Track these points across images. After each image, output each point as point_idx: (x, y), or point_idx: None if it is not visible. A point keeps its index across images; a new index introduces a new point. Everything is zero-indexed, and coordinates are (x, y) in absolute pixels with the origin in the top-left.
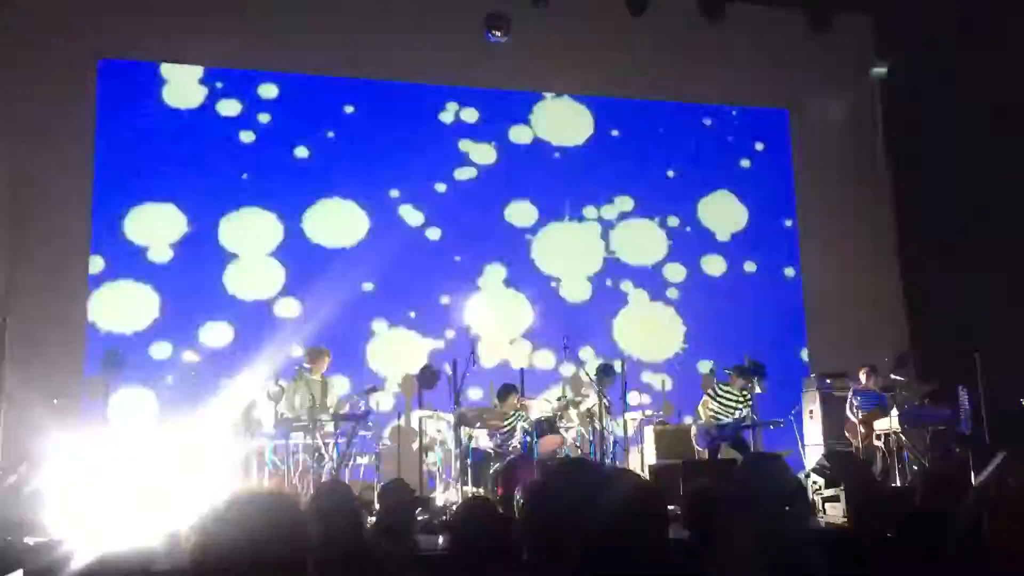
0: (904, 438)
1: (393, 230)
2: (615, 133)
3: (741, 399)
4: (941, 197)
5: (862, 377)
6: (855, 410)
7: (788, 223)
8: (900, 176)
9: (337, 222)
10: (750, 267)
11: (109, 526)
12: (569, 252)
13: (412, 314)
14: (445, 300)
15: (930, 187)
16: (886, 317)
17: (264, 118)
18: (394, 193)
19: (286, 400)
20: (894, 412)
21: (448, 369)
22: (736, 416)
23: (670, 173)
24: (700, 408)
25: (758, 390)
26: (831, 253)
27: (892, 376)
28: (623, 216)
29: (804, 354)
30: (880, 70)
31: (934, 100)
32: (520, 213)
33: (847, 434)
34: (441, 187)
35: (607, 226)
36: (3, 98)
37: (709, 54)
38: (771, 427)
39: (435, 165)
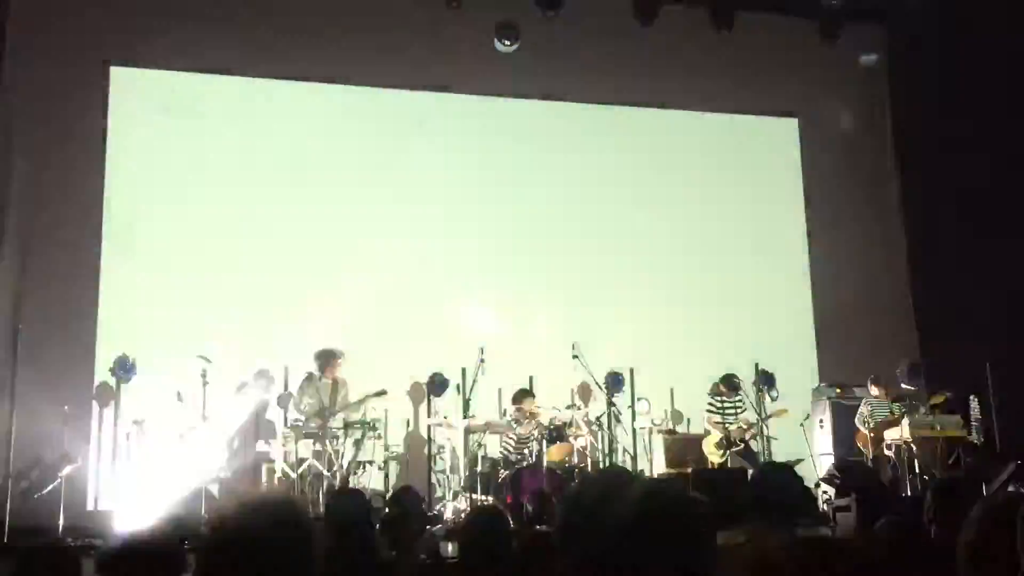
0: (915, 448)
1: (401, 235)
2: (624, 141)
3: (739, 403)
4: (952, 205)
5: (872, 387)
6: (866, 420)
7: (797, 232)
8: (910, 184)
9: (346, 226)
10: (759, 275)
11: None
12: (578, 258)
13: (421, 319)
14: (454, 305)
15: (941, 195)
16: (897, 326)
17: (274, 123)
18: (402, 196)
19: (294, 405)
20: (905, 422)
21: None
22: (738, 420)
23: (679, 181)
24: (706, 423)
25: (769, 400)
26: (841, 262)
27: (903, 386)
28: (632, 224)
29: (814, 363)
30: (869, 58)
31: (945, 107)
32: (529, 218)
33: (858, 444)
34: (452, 192)
35: (616, 233)
36: (15, 104)
37: (718, 63)
38: (776, 416)
39: (444, 171)
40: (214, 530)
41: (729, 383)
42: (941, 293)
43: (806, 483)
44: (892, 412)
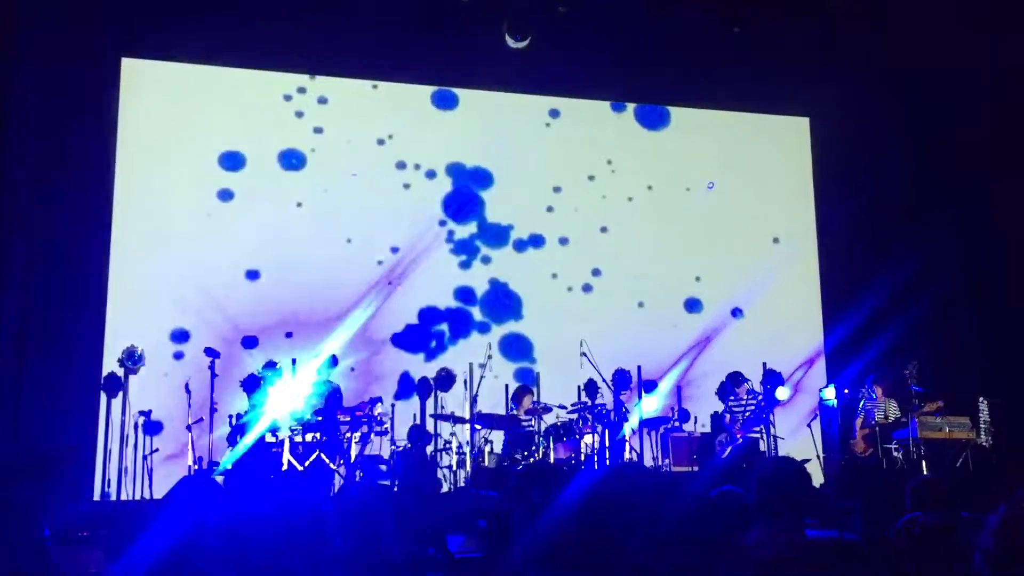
0: (923, 449)
1: (409, 232)
2: (634, 139)
3: (745, 401)
4: (962, 205)
5: (872, 388)
6: (862, 421)
7: (807, 231)
8: (920, 186)
9: (355, 220)
10: (769, 275)
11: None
12: (588, 260)
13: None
14: (461, 304)
15: (951, 193)
16: (906, 327)
17: (284, 118)
18: (410, 192)
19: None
20: (914, 422)
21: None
22: (744, 417)
23: (689, 180)
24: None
25: (779, 398)
26: (851, 262)
27: (911, 387)
28: (641, 224)
29: (822, 363)
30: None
31: (954, 108)
32: (539, 220)
33: (859, 442)
34: (455, 189)
35: (626, 234)
36: (27, 98)
37: (730, 61)
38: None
39: (454, 169)
40: None
41: (735, 380)
42: (950, 293)
43: (814, 483)
44: (887, 415)
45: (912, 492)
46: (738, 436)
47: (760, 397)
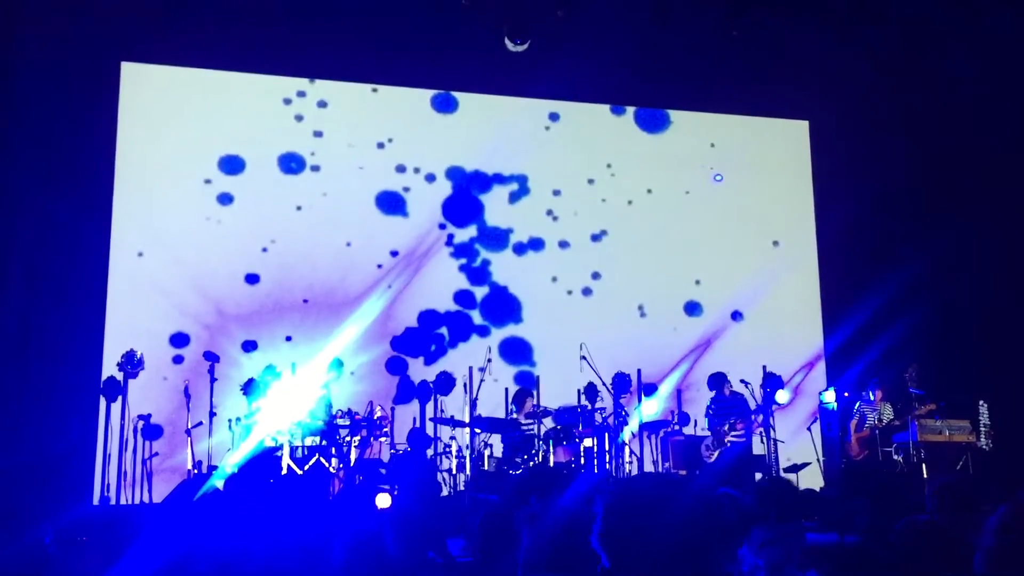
0: (923, 452)
1: (409, 236)
2: (634, 143)
3: (730, 403)
4: (965, 206)
5: (871, 392)
6: (856, 423)
7: (807, 235)
8: (919, 189)
9: (354, 224)
10: (769, 278)
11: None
12: (588, 263)
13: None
14: (461, 307)
15: (951, 197)
16: (906, 330)
17: (284, 122)
18: (409, 196)
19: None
20: (913, 425)
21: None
22: (731, 421)
23: (689, 184)
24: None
25: (779, 401)
26: (850, 265)
27: (911, 390)
28: (641, 227)
29: (822, 366)
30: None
31: (953, 110)
32: (539, 223)
33: (854, 446)
34: (459, 188)
35: (625, 237)
36: (28, 102)
37: (729, 65)
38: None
39: (454, 172)
40: None
41: (718, 381)
42: (951, 295)
43: (812, 487)
44: (880, 419)
45: (935, 494)
46: (726, 440)
47: (743, 397)
